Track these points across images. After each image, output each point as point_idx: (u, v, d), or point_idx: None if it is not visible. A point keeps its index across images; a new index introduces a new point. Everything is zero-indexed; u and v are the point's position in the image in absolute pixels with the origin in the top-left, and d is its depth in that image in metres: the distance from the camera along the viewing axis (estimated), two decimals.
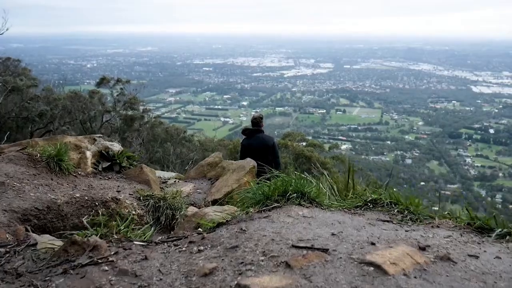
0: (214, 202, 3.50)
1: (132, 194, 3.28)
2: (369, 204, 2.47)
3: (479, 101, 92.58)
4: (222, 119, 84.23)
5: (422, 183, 53.59)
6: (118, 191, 3.30)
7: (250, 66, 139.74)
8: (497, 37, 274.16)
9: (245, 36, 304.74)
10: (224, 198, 3.49)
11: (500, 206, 45.35)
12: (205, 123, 79.83)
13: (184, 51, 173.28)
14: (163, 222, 3.12)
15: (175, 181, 4.30)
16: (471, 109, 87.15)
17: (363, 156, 62.65)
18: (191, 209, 3.44)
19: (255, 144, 5.33)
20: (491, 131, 72.59)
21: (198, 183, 4.29)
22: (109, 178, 3.75)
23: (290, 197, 2.24)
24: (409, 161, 62.73)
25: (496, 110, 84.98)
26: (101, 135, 4.30)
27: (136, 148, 12.29)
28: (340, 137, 73.20)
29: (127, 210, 2.96)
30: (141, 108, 15.61)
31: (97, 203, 2.89)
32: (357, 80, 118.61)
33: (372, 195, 2.58)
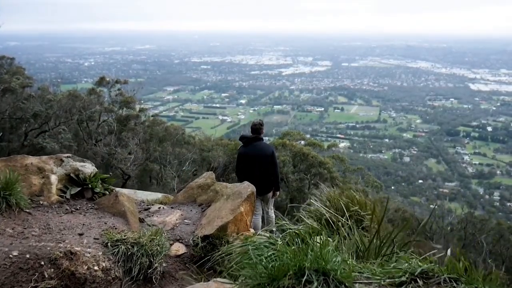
0: (204, 239, 2.96)
1: (98, 239, 2.64)
2: (418, 279, 1.74)
3: (477, 98, 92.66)
4: (220, 117, 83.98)
5: (420, 181, 53.59)
6: (81, 234, 2.66)
7: (248, 64, 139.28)
8: (495, 35, 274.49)
9: (243, 34, 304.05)
10: (216, 234, 2.95)
11: (498, 204, 45.39)
12: (203, 121, 79.49)
13: (182, 49, 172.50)
14: (135, 274, 2.51)
15: (159, 208, 3.65)
16: (469, 106, 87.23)
17: (361, 154, 62.59)
18: (176, 247, 2.92)
19: (253, 153, 4.94)
20: (489, 128, 72.70)
21: (186, 209, 3.64)
22: (76, 209, 3.15)
23: (308, 280, 1.56)
24: (407, 159, 62.71)
25: (494, 108, 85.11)
26: (70, 155, 3.65)
27: (133, 148, 11.86)
28: (338, 135, 73.11)
29: (86, 267, 2.28)
30: (137, 107, 15.24)
31: (43, 262, 2.17)
32: (355, 78, 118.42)
33: (421, 264, 1.85)
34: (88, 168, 3.56)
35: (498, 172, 57.31)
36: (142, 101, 21.43)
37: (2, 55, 14.99)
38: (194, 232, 3.14)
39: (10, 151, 11.34)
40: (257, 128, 5.07)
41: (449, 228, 13.20)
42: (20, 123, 11.40)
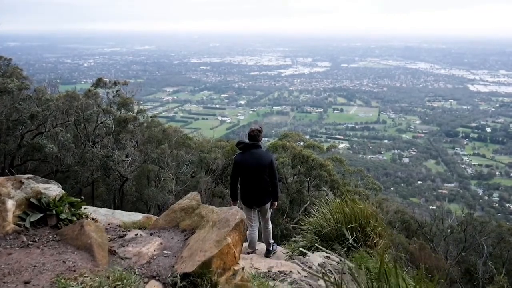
0: (184, 277, 2.52)
1: None
2: None
3: (476, 99, 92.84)
4: (220, 118, 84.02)
5: (419, 182, 53.66)
6: (27, 282, 2.17)
7: (248, 65, 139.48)
8: (494, 35, 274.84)
9: (242, 34, 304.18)
10: (198, 271, 2.53)
11: (497, 205, 45.46)
12: (203, 122, 79.54)
13: (181, 50, 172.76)
14: None
15: (136, 235, 3.21)
16: (468, 107, 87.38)
17: (360, 155, 62.66)
18: (151, 287, 2.45)
19: (250, 161, 4.56)
20: (488, 129, 72.80)
21: (167, 237, 3.19)
22: (34, 241, 2.65)
23: None
24: (406, 160, 62.80)
25: (493, 109, 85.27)
26: (32, 176, 3.23)
27: (130, 151, 11.86)
28: (338, 136, 73.20)
29: None
30: (135, 108, 15.20)
31: None
32: (354, 78, 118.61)
33: None
34: (53, 190, 3.10)
35: (497, 173, 57.36)
36: (142, 102, 21.30)
37: None
38: (173, 266, 2.69)
39: (6, 153, 11.33)
40: (254, 135, 4.64)
41: (449, 230, 13.17)
42: (16, 124, 11.17)
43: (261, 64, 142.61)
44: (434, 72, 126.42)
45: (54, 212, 2.94)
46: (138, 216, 3.98)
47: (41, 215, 2.89)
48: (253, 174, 4.57)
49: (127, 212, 4.19)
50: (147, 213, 12.43)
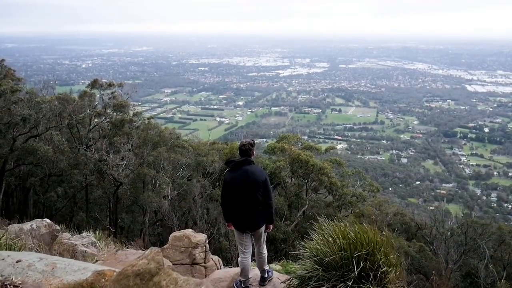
0: None
1: None
2: None
3: (473, 100, 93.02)
4: (218, 119, 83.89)
5: (418, 182, 53.63)
6: None
7: (246, 66, 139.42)
8: (491, 36, 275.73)
9: (240, 35, 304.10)
10: None
11: (495, 204, 45.45)
12: (201, 123, 79.37)
13: (179, 51, 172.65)
14: None
15: None
16: (466, 108, 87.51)
17: (358, 156, 62.60)
18: None
19: (241, 179, 4.05)
20: (486, 130, 72.87)
21: None
22: None
23: None
24: (404, 160, 62.77)
25: (491, 109, 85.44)
26: None
27: (125, 155, 11.64)
28: (336, 137, 73.17)
29: None
30: (131, 112, 14.96)
31: None
32: (352, 79, 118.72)
33: None
34: None
35: (495, 173, 57.33)
36: (140, 104, 21.10)
37: None
38: None
39: None
40: (246, 149, 4.13)
41: (449, 233, 13.01)
42: (8, 128, 10.99)
43: (259, 65, 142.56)
44: (432, 72, 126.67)
45: None
46: (87, 272, 2.91)
47: None
48: (245, 194, 4.07)
49: (75, 263, 3.11)
50: (143, 217, 12.28)
